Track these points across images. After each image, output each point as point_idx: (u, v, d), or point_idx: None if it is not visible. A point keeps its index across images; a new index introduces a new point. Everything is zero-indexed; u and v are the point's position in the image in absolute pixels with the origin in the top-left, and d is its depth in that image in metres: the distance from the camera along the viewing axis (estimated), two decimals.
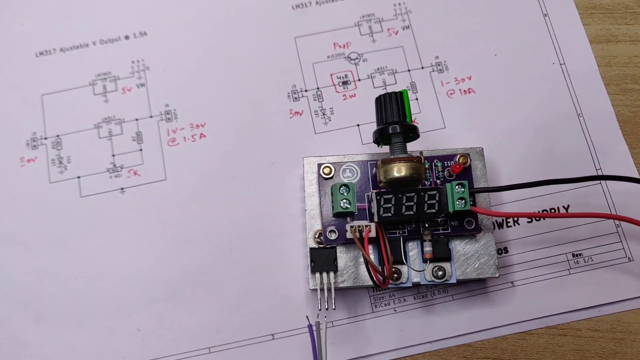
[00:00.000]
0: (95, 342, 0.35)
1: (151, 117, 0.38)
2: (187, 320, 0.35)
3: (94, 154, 0.38)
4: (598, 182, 0.37)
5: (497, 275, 0.33)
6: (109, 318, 0.35)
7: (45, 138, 0.38)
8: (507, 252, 0.36)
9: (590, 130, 0.38)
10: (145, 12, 0.40)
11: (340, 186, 0.33)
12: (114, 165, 0.37)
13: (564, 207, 0.36)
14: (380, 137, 0.33)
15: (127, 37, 0.40)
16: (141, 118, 0.38)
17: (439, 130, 0.38)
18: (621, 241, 0.36)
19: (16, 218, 0.37)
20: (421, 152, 0.34)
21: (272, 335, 0.35)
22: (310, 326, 0.31)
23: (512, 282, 0.35)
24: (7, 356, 0.35)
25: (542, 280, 0.35)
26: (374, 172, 0.34)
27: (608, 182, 0.37)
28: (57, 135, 0.38)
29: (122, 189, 0.37)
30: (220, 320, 0.35)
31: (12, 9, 0.40)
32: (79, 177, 0.37)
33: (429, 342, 0.35)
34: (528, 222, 0.36)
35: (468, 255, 0.34)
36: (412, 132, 0.32)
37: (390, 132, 0.32)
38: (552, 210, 0.36)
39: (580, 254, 0.36)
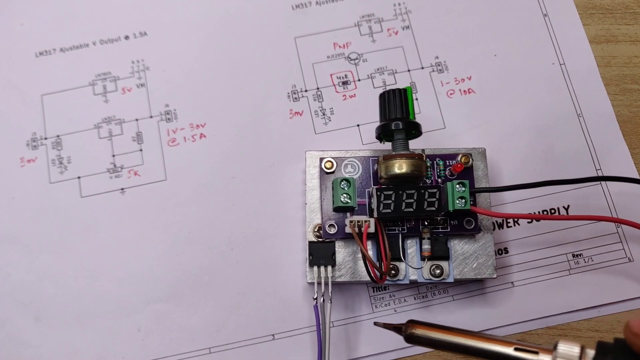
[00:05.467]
0: (95, 342, 0.35)
1: (151, 117, 0.38)
2: (187, 320, 0.35)
3: (94, 154, 0.38)
4: (598, 182, 0.37)
5: (494, 275, 0.33)
6: (109, 318, 0.35)
7: (46, 138, 0.38)
8: (507, 252, 0.36)
9: (590, 130, 0.37)
10: (145, 13, 0.40)
11: (341, 181, 0.33)
12: (114, 166, 0.37)
13: (564, 207, 0.36)
14: (383, 133, 0.33)
15: (127, 37, 0.40)
16: (141, 118, 0.38)
17: (439, 130, 0.38)
18: (621, 242, 0.36)
19: (16, 218, 0.37)
20: (423, 150, 0.34)
21: (272, 335, 0.35)
22: (315, 307, 0.32)
23: (512, 283, 0.35)
24: (7, 356, 0.35)
25: (542, 281, 0.35)
26: (375, 168, 0.34)
27: (608, 182, 0.37)
28: (57, 136, 0.38)
29: (122, 189, 0.37)
30: (221, 320, 0.35)
31: (12, 9, 0.40)
32: (79, 177, 0.37)
33: None
34: (528, 222, 0.36)
35: (466, 255, 0.34)
36: (414, 129, 0.32)
37: (393, 128, 0.32)
38: (553, 211, 0.36)
39: (580, 255, 0.36)
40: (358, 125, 0.38)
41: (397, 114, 0.32)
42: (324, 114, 0.38)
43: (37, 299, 0.35)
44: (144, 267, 0.36)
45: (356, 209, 0.33)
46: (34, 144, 0.38)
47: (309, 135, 0.38)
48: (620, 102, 0.38)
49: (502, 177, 0.37)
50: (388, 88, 0.38)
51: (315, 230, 0.34)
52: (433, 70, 0.39)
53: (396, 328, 0.29)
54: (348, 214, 0.33)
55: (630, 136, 0.38)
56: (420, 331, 0.28)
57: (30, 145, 0.38)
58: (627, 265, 0.35)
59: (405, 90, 0.32)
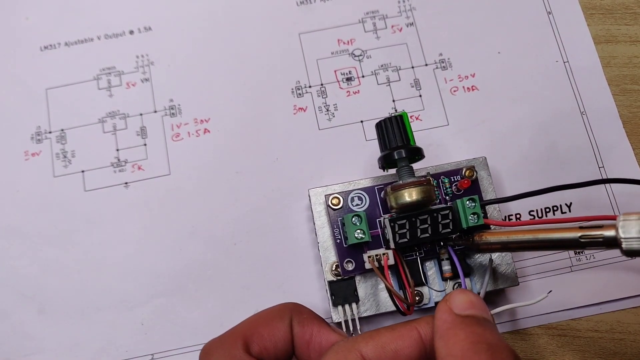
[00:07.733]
0: (98, 335, 0.35)
1: (155, 112, 0.38)
2: (190, 314, 0.35)
3: (98, 149, 0.38)
4: (601, 178, 0.37)
5: (517, 283, 0.33)
6: (113, 311, 0.35)
7: (50, 132, 0.38)
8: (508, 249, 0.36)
9: (593, 128, 0.38)
10: (149, 7, 0.40)
11: (353, 217, 0.32)
12: (118, 160, 0.38)
13: (566, 204, 0.36)
14: (386, 163, 0.32)
15: (131, 32, 0.40)
16: (145, 113, 0.38)
17: (443, 127, 0.38)
18: None
19: (20, 211, 0.37)
20: (428, 173, 0.33)
21: None
22: None
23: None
24: (10, 348, 0.35)
25: (544, 278, 0.35)
26: (382, 196, 0.33)
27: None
28: (62, 130, 0.38)
29: (126, 183, 0.37)
30: (223, 314, 0.35)
31: (18, 3, 0.40)
32: (83, 171, 0.37)
33: None
34: (530, 219, 0.36)
35: (486, 267, 0.33)
36: (417, 155, 0.32)
37: (396, 157, 0.31)
38: (555, 208, 0.36)
39: (582, 252, 0.36)
40: (362, 122, 0.38)
41: (397, 142, 0.31)
42: (327, 110, 0.38)
43: (41, 292, 0.35)
44: (147, 261, 0.36)
45: (371, 242, 0.32)
46: (38, 137, 0.38)
47: (312, 131, 0.38)
48: (620, 102, 0.38)
49: (505, 175, 0.37)
50: (391, 86, 0.39)
51: (333, 268, 0.33)
52: (437, 67, 0.39)
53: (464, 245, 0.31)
54: (364, 249, 0.32)
55: (630, 137, 0.38)
56: (488, 238, 0.30)
57: (35, 139, 0.38)
58: (629, 262, 0.35)
59: (401, 116, 0.32)
